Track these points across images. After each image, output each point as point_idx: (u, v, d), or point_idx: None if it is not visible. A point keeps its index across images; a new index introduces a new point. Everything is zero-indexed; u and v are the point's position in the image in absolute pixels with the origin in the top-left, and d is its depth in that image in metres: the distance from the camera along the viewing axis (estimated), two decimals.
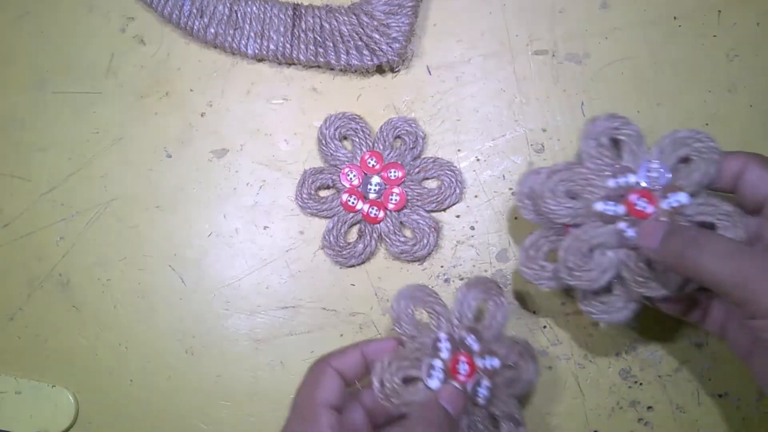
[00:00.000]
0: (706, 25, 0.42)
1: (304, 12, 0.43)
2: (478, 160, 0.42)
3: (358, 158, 0.42)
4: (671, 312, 0.35)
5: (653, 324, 0.40)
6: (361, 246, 0.41)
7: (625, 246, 0.33)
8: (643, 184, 0.33)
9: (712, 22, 0.42)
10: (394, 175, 0.41)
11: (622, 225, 0.33)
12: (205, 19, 0.43)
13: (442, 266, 0.41)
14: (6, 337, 0.44)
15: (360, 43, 0.42)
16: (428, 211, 0.41)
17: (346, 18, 0.42)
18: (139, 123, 0.44)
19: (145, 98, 0.45)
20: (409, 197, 0.41)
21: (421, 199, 0.41)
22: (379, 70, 0.43)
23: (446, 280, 0.41)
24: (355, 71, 0.43)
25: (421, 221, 0.41)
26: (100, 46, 0.46)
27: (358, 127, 0.42)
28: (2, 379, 0.43)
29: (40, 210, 0.44)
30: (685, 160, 0.34)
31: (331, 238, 0.41)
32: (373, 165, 0.41)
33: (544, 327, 0.40)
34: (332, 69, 0.43)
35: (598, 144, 0.34)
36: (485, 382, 0.34)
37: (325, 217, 0.42)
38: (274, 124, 0.44)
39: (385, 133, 0.42)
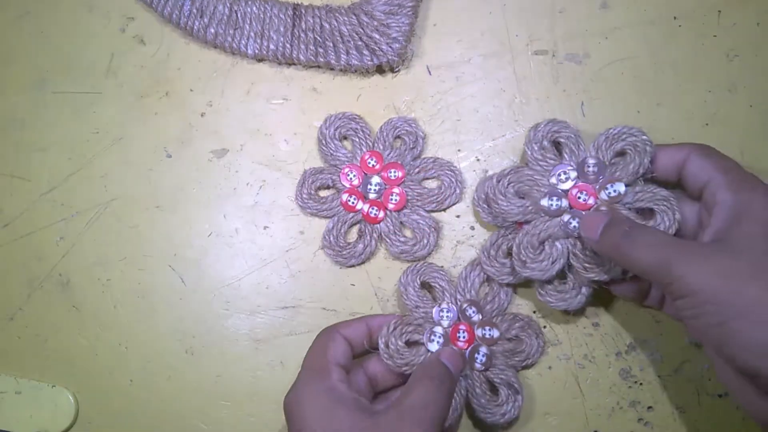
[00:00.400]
0: (706, 25, 0.42)
1: (304, 12, 0.43)
2: (478, 160, 0.42)
3: (358, 158, 0.42)
4: (625, 296, 0.37)
5: (653, 323, 0.40)
6: (361, 246, 0.41)
7: (571, 236, 0.36)
8: (585, 179, 0.37)
9: (712, 22, 0.42)
10: (394, 175, 0.41)
11: (566, 217, 0.36)
12: (205, 19, 0.43)
13: (442, 266, 0.41)
14: (6, 337, 0.44)
15: (360, 43, 0.42)
16: (428, 211, 0.41)
17: (346, 18, 0.42)
18: (139, 123, 0.44)
19: (145, 98, 0.45)
20: (409, 197, 0.41)
21: (421, 199, 0.41)
22: (379, 70, 0.43)
23: None
24: (355, 71, 0.43)
25: (421, 221, 0.41)
26: (100, 46, 0.46)
27: (358, 127, 0.42)
28: (2, 379, 0.43)
29: (40, 210, 0.44)
30: (621, 153, 0.37)
31: (331, 238, 0.41)
32: (373, 165, 0.41)
33: (544, 327, 0.40)
34: (332, 69, 0.43)
35: (540, 147, 0.38)
36: (483, 350, 0.38)
37: (325, 217, 0.42)
38: (274, 124, 0.44)
39: (385, 133, 0.42)
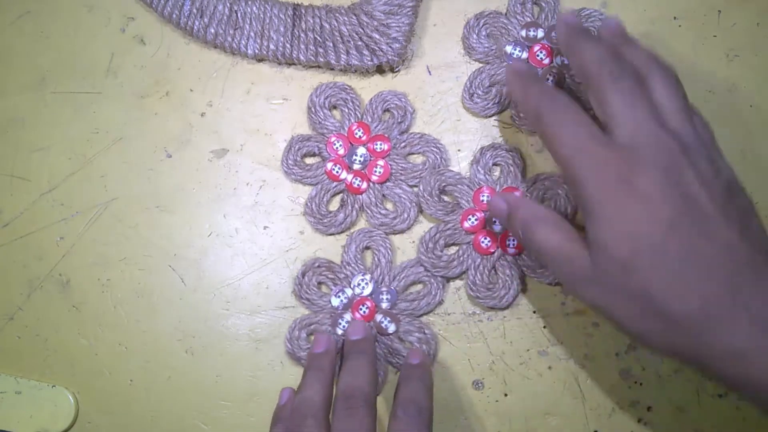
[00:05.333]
0: (706, 25, 0.42)
1: (304, 12, 0.43)
2: None
3: (346, 128, 0.42)
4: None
5: None
6: (342, 215, 0.41)
7: None
8: (549, 42, 0.41)
9: (712, 22, 0.42)
10: (380, 148, 0.41)
11: None
12: (205, 19, 0.43)
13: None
14: (6, 337, 0.44)
15: (360, 43, 0.42)
16: (411, 186, 0.41)
17: (346, 18, 0.42)
18: (139, 123, 0.44)
19: (145, 98, 0.45)
20: (393, 171, 0.41)
21: (404, 174, 0.41)
22: (379, 70, 0.43)
23: None
24: (355, 71, 0.43)
25: (403, 195, 0.41)
26: (100, 46, 0.46)
27: (348, 98, 0.42)
28: (2, 379, 0.43)
29: (40, 210, 0.44)
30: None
31: (313, 206, 0.41)
32: (359, 136, 0.42)
33: (544, 327, 0.40)
34: (332, 69, 0.43)
35: (522, 3, 0.42)
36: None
37: (309, 185, 0.42)
38: (274, 124, 0.44)
39: (374, 105, 0.42)
